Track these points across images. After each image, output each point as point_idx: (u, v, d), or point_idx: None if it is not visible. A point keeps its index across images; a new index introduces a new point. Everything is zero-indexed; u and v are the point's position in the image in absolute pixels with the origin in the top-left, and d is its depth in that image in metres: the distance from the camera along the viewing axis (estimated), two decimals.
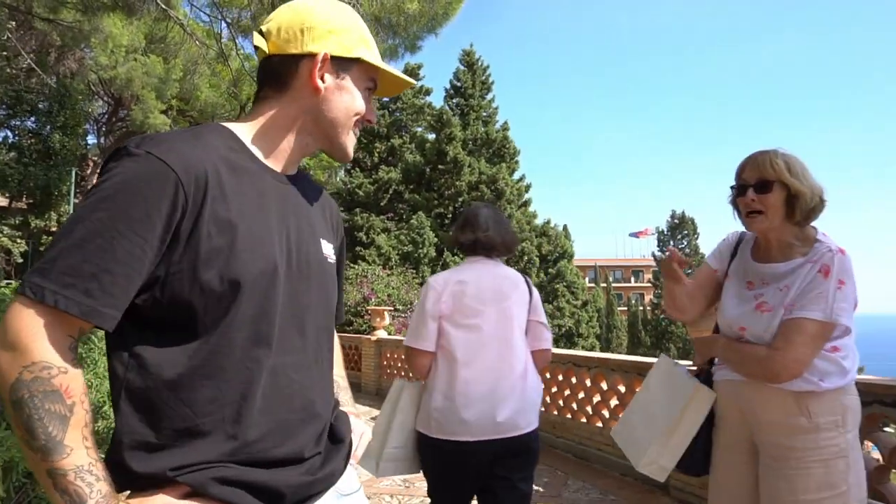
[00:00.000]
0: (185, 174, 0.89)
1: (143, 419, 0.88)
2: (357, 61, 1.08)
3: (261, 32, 1.07)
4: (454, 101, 25.32)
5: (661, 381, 2.03)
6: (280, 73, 1.06)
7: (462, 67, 25.82)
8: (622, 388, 5.04)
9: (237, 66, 16.64)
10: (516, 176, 24.58)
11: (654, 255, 44.56)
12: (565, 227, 25.32)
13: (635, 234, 65.75)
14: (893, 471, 3.04)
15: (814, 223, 1.82)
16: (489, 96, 25.57)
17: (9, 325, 0.82)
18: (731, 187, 1.85)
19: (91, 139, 26.25)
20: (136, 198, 0.86)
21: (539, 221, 24.50)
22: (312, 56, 1.04)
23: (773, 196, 1.74)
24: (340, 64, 1.07)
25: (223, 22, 12.19)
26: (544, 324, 2.27)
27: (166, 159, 0.88)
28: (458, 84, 25.45)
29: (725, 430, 1.89)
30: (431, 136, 24.07)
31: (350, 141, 1.12)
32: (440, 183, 23.21)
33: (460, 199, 23.04)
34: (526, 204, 24.38)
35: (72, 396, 0.82)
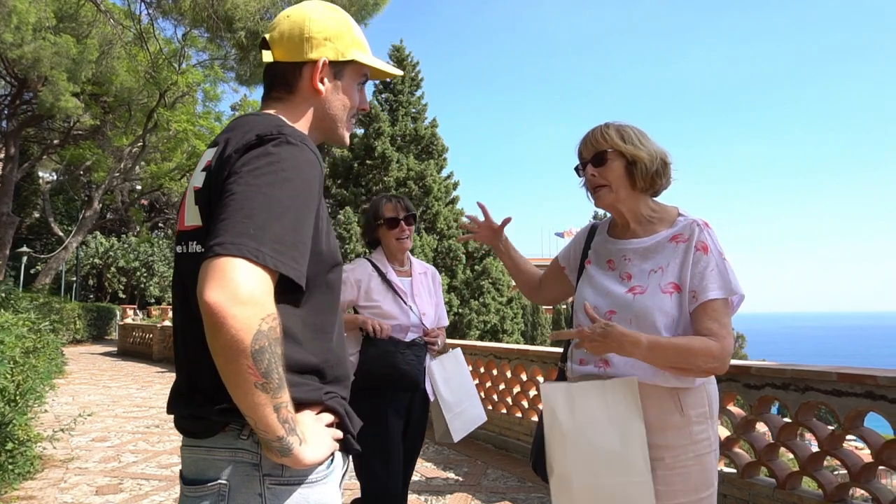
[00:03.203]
0: (321, 165, 1.10)
1: (292, 364, 1.03)
2: (351, 62, 1.24)
3: (264, 39, 1.23)
4: (383, 96, 25.07)
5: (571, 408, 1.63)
6: (287, 78, 1.21)
7: (392, 63, 25.72)
8: (541, 379, 5.22)
9: (155, 49, 15.89)
10: (444, 173, 24.63)
11: None
12: None
13: (560, 234, 67.12)
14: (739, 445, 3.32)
15: (674, 204, 1.75)
16: (418, 93, 25.47)
17: (240, 281, 0.90)
18: (575, 169, 1.80)
19: None
20: (308, 181, 1.03)
21: (466, 219, 24.67)
22: (313, 63, 1.19)
23: (611, 166, 1.68)
24: (337, 67, 1.22)
25: (141, 3, 11.59)
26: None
27: (314, 152, 1.08)
28: (388, 79, 25.33)
29: None
30: (360, 131, 23.80)
31: (347, 131, 1.29)
32: (368, 178, 23.02)
33: None
34: (454, 201, 24.44)
35: (281, 341, 0.96)
